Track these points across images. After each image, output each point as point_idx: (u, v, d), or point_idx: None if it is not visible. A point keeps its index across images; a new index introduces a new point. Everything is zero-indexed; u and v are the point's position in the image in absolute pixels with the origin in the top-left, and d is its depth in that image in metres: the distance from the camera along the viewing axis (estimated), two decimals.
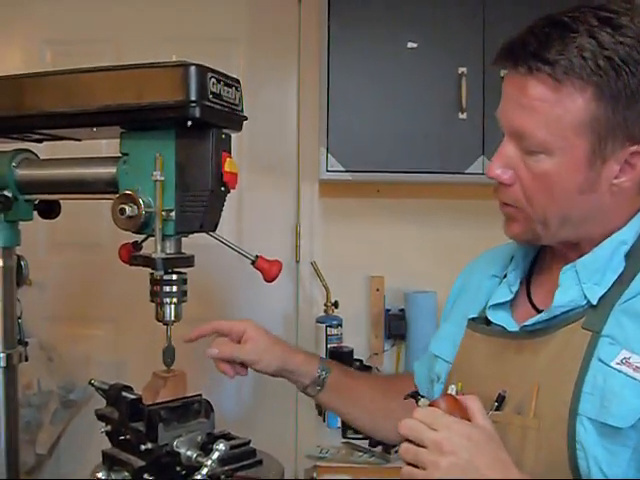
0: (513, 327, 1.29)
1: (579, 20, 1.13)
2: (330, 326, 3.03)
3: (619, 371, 1.10)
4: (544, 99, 1.13)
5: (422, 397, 1.16)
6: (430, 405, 1.13)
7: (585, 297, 1.19)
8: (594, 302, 1.18)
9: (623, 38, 1.11)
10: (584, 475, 1.11)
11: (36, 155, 1.62)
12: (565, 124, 1.13)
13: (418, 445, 1.08)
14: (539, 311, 1.28)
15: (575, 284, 1.21)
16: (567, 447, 1.12)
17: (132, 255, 1.49)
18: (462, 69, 2.80)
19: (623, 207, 1.22)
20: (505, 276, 1.39)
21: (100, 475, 1.33)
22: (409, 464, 1.10)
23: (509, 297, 1.34)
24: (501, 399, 1.23)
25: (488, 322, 1.36)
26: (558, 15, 1.16)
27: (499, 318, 1.33)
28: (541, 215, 1.20)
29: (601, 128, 1.13)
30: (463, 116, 2.81)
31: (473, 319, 1.40)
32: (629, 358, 1.11)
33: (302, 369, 1.63)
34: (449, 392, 1.17)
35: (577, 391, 1.13)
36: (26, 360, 1.63)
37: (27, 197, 1.58)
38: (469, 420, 1.10)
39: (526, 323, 1.25)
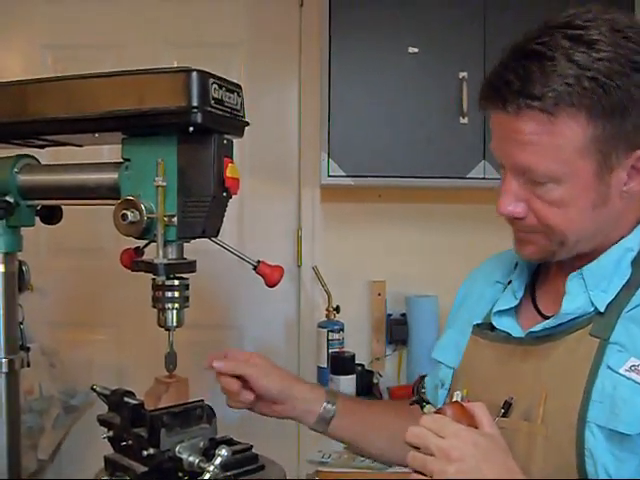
0: (519, 333, 1.29)
1: (551, 46, 1.12)
2: (332, 331, 3.03)
3: (628, 378, 1.10)
4: (540, 132, 1.12)
5: (427, 403, 1.15)
6: (437, 412, 1.13)
7: (592, 304, 1.19)
8: (601, 309, 1.18)
9: (599, 54, 1.10)
10: None
11: (38, 161, 1.62)
12: (567, 151, 1.13)
13: (425, 453, 1.08)
14: (545, 317, 1.28)
15: (582, 291, 1.21)
16: (575, 454, 1.12)
17: (134, 261, 1.49)
18: (463, 74, 2.80)
19: (632, 211, 1.22)
20: (509, 282, 1.39)
21: None
22: (416, 471, 1.09)
23: (514, 303, 1.34)
24: (508, 405, 1.23)
25: (492, 328, 1.36)
26: (528, 44, 1.15)
27: (504, 324, 1.32)
28: (559, 237, 1.20)
29: (602, 145, 1.12)
30: (464, 121, 2.81)
31: (478, 325, 1.40)
32: (638, 365, 1.11)
33: (308, 395, 1.58)
34: (455, 399, 1.17)
35: (586, 398, 1.13)
36: (28, 366, 1.63)
37: (29, 202, 1.57)
38: (476, 427, 1.10)
39: (533, 329, 1.25)
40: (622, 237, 1.22)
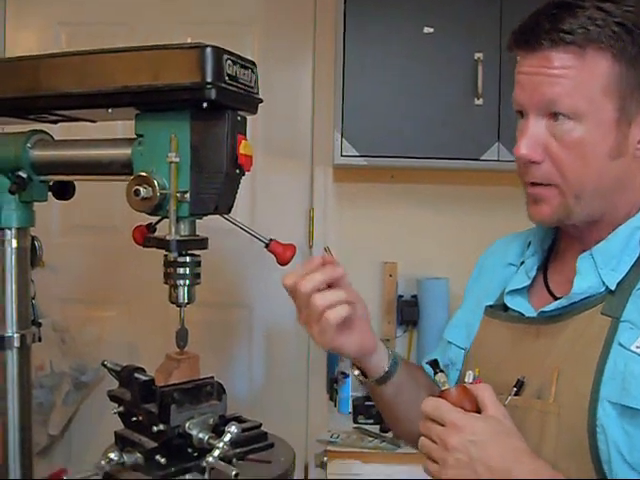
0: (531, 313, 1.30)
1: None
2: None
3: (639, 355, 1.11)
4: (570, 67, 1.16)
5: (441, 371, 1.15)
6: (440, 395, 1.13)
7: (603, 283, 1.20)
8: (612, 288, 1.18)
9: (627, 7, 1.16)
10: (604, 461, 1.11)
11: (51, 137, 1.62)
12: (592, 87, 1.16)
13: (430, 440, 1.11)
14: (556, 298, 1.28)
15: (593, 271, 1.21)
16: (588, 432, 1.12)
17: (146, 237, 1.49)
18: (478, 55, 2.79)
19: None
20: (522, 263, 1.39)
21: (112, 456, 1.33)
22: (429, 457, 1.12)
23: (526, 283, 1.35)
24: (520, 384, 1.24)
25: (504, 309, 1.36)
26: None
27: (517, 304, 1.33)
28: (576, 186, 1.20)
29: (623, 89, 1.17)
30: (479, 102, 2.80)
31: (490, 306, 1.40)
32: None
33: (380, 347, 1.42)
34: (466, 379, 1.17)
35: (598, 376, 1.13)
36: (39, 340, 1.63)
37: (42, 178, 1.58)
38: (479, 410, 1.10)
39: (545, 309, 1.26)
40: (630, 215, 1.23)
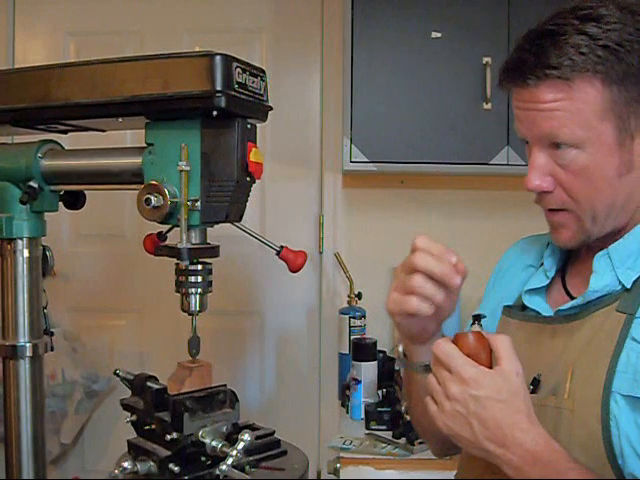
0: (548, 312, 1.31)
1: (562, 24, 1.17)
2: (353, 317, 3.02)
3: None
4: (560, 99, 1.17)
5: (479, 324, 1.15)
6: (456, 338, 1.13)
7: (619, 282, 1.21)
8: (628, 286, 1.19)
9: (608, 25, 1.15)
10: (618, 455, 1.11)
11: (61, 146, 1.63)
12: (587, 115, 1.16)
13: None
14: (572, 298, 1.29)
15: (609, 269, 1.22)
16: (601, 427, 1.12)
17: (157, 246, 1.49)
18: (487, 59, 2.78)
19: None
20: (542, 264, 1.40)
21: (126, 465, 1.33)
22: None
23: (545, 282, 1.36)
24: (536, 383, 1.25)
25: (522, 309, 1.37)
26: (540, 26, 1.21)
27: (534, 303, 1.34)
28: (590, 209, 1.22)
29: (620, 109, 1.17)
30: (487, 106, 2.79)
31: (508, 307, 1.41)
32: None
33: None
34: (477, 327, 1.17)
35: (611, 370, 1.14)
36: (52, 350, 1.64)
37: (52, 188, 1.58)
38: (491, 364, 1.10)
39: (561, 307, 1.27)
40: None
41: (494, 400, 1.07)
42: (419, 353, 1.36)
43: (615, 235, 1.26)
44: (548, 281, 1.35)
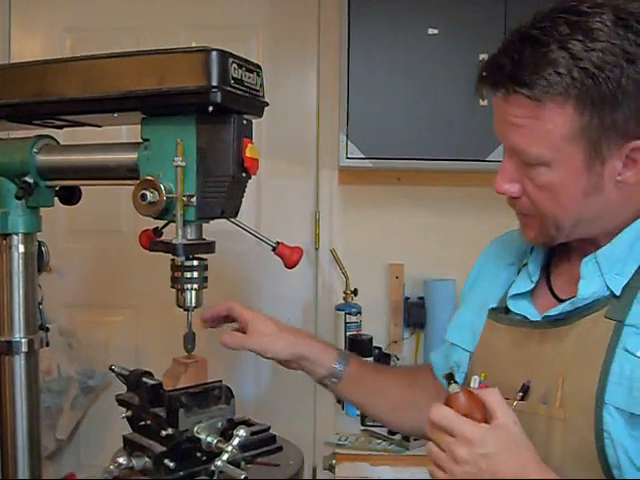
0: (535, 316, 1.29)
1: (548, 31, 1.13)
2: (349, 314, 3.02)
3: None
4: (529, 117, 1.15)
5: (455, 382, 1.14)
6: (448, 401, 1.12)
7: (608, 288, 1.19)
8: (617, 293, 1.18)
9: (594, 44, 1.10)
10: (613, 465, 1.11)
11: (57, 141, 1.62)
12: (555, 137, 1.14)
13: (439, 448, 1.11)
14: (560, 300, 1.28)
15: (597, 275, 1.21)
16: (595, 437, 1.12)
17: (153, 241, 1.49)
18: (483, 56, 2.77)
19: (634, 200, 1.21)
20: (525, 265, 1.39)
21: (121, 460, 1.33)
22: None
23: (530, 287, 1.34)
24: (525, 389, 1.24)
25: (507, 311, 1.36)
26: (528, 28, 1.17)
27: (521, 308, 1.33)
28: (552, 221, 1.22)
29: (591, 134, 1.13)
30: (484, 103, 2.78)
31: (493, 309, 1.40)
32: None
33: (318, 357, 1.59)
34: (472, 384, 1.16)
35: (603, 380, 1.13)
36: (47, 345, 1.63)
37: (48, 183, 1.58)
38: (486, 418, 1.09)
39: (549, 313, 1.25)
40: (629, 223, 1.22)
41: (503, 454, 1.06)
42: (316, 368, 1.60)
43: (593, 240, 1.25)
44: (533, 285, 1.34)
